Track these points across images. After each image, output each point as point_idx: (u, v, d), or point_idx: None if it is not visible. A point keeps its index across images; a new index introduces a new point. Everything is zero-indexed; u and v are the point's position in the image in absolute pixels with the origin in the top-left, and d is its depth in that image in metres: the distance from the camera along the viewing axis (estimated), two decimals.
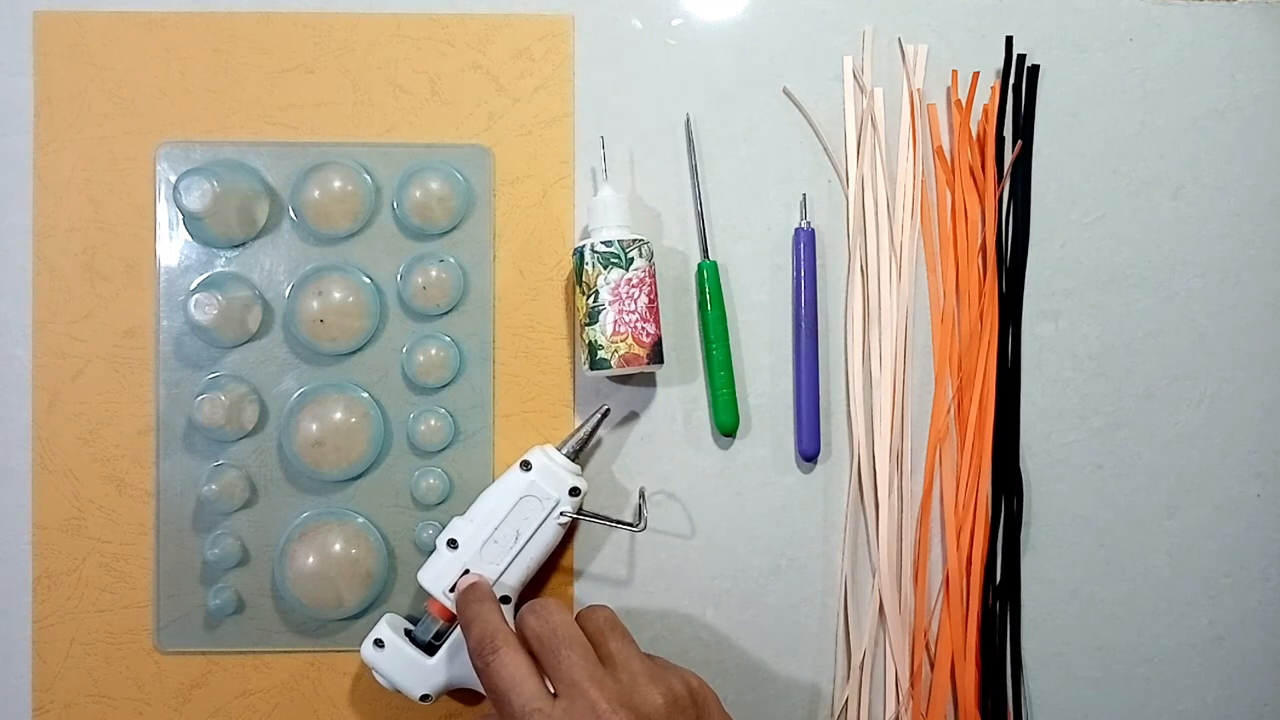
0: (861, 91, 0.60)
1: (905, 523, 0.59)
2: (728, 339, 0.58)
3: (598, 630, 0.48)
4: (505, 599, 0.53)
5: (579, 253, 0.55)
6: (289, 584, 0.56)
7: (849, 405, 0.59)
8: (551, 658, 0.46)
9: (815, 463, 0.59)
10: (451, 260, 0.58)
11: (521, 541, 0.53)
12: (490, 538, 0.53)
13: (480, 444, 0.58)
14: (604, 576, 0.59)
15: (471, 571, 0.52)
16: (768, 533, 0.59)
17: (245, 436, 0.58)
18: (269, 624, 0.58)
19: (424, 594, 0.53)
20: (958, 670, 0.58)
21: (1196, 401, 0.60)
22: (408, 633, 0.54)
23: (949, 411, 0.59)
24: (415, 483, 0.57)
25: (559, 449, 0.55)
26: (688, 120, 0.59)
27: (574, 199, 0.59)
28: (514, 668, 0.46)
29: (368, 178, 0.58)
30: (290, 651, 0.58)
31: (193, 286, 0.57)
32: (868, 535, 0.59)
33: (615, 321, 0.54)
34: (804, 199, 0.59)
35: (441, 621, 0.54)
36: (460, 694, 0.58)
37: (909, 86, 0.59)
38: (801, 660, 0.59)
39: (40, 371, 0.58)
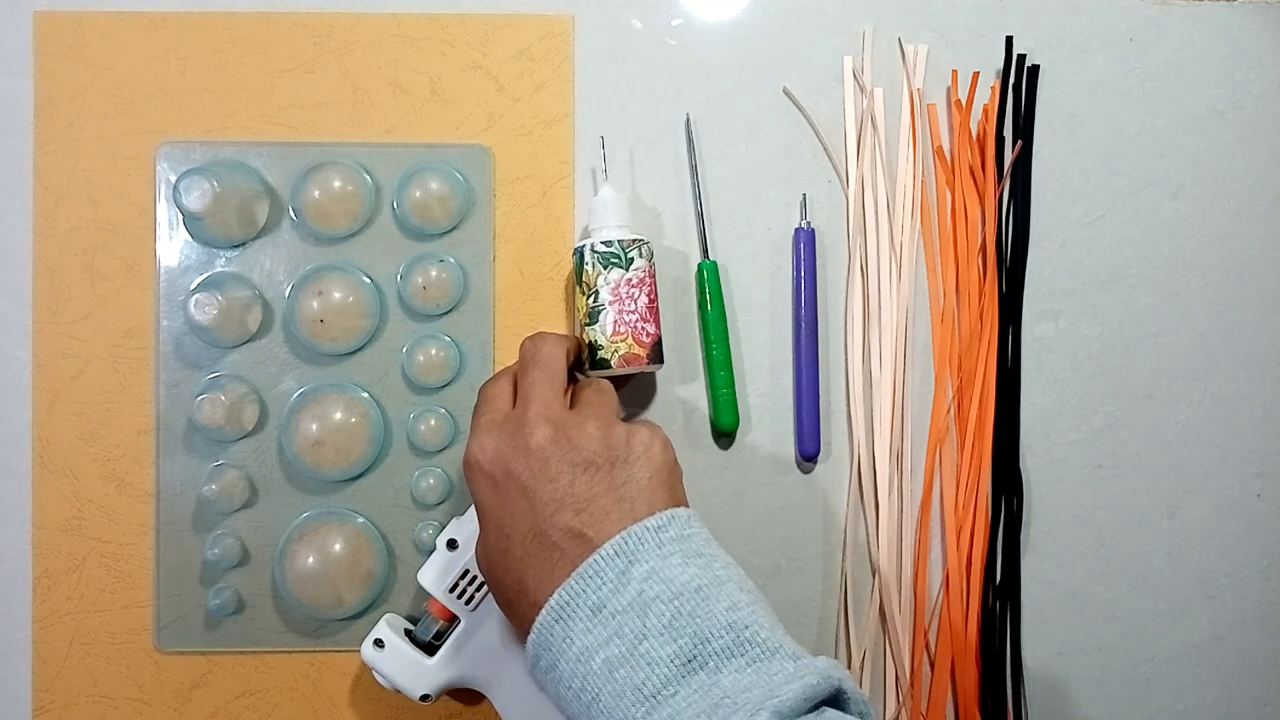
0: (861, 91, 0.60)
1: (905, 523, 0.59)
2: (728, 339, 0.58)
3: (585, 384, 0.49)
4: None
5: (579, 253, 0.55)
6: (289, 584, 0.56)
7: (849, 405, 0.59)
8: (522, 374, 0.48)
9: (815, 463, 0.59)
10: (451, 260, 0.58)
11: None
12: None
13: None
14: None
15: None
16: (768, 533, 0.59)
17: (245, 436, 0.58)
18: (269, 624, 0.58)
19: (424, 594, 0.53)
20: (958, 670, 0.58)
21: (1196, 401, 0.60)
22: (408, 633, 0.54)
23: (949, 411, 0.59)
24: (415, 483, 0.57)
25: None
26: (688, 120, 0.59)
27: (574, 199, 0.59)
28: (496, 389, 0.49)
29: (368, 178, 0.58)
30: (290, 651, 0.58)
31: (193, 286, 0.57)
32: (868, 535, 0.59)
33: (615, 321, 0.54)
34: (804, 199, 0.59)
35: (441, 621, 0.54)
36: (460, 694, 0.58)
37: (909, 86, 0.59)
38: None
39: (40, 371, 0.58)
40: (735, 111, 0.60)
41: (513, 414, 0.46)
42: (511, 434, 0.45)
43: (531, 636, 0.42)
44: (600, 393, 0.48)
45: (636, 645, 0.39)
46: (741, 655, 0.39)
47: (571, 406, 0.47)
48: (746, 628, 0.40)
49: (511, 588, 0.43)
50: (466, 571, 0.52)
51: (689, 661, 0.39)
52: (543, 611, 0.41)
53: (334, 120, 0.59)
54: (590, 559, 0.41)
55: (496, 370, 0.58)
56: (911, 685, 0.58)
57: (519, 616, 0.43)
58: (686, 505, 0.45)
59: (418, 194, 0.57)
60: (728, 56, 0.60)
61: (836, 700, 0.39)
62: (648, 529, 0.42)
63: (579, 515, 0.42)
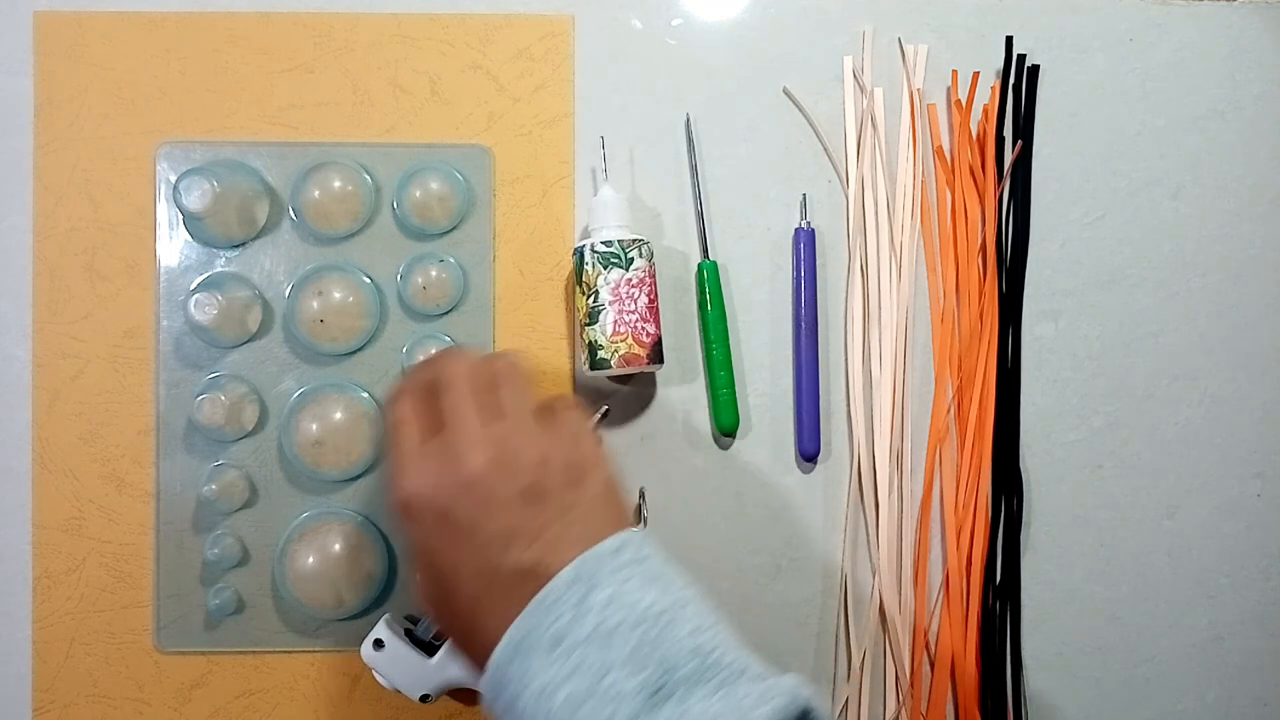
0: (861, 91, 0.60)
1: (905, 523, 0.59)
2: (728, 339, 0.58)
3: (491, 379, 0.45)
4: None
5: (579, 253, 0.55)
6: (289, 584, 0.56)
7: (849, 405, 0.59)
8: (433, 399, 0.44)
9: (815, 463, 0.59)
10: (451, 260, 0.58)
11: None
12: None
13: None
14: None
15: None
16: (768, 533, 0.59)
17: (245, 436, 0.58)
18: (269, 624, 0.58)
19: None
20: (958, 670, 0.58)
21: (1196, 401, 0.60)
22: (408, 633, 0.54)
23: (949, 411, 0.59)
24: None
25: None
26: (688, 120, 0.59)
27: (574, 199, 0.59)
28: (402, 410, 0.44)
29: (368, 178, 0.58)
30: (290, 651, 0.58)
31: (193, 286, 0.57)
32: (868, 535, 0.59)
33: (615, 321, 0.54)
34: (804, 199, 0.59)
35: None
36: (460, 694, 0.58)
37: (909, 86, 0.59)
38: (801, 660, 0.59)
39: (40, 371, 0.58)
40: (735, 111, 0.60)
41: (438, 440, 0.42)
42: (442, 466, 0.41)
43: (487, 675, 0.40)
44: (517, 390, 0.44)
45: (600, 679, 0.37)
46: (708, 681, 0.38)
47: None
48: (712, 651, 0.39)
49: (463, 629, 0.41)
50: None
51: (656, 692, 0.37)
52: (499, 647, 0.39)
53: (334, 120, 0.59)
54: (546, 588, 0.39)
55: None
56: (911, 685, 0.58)
57: (474, 652, 0.41)
58: (632, 521, 0.44)
59: (418, 194, 0.57)
60: (728, 56, 0.60)
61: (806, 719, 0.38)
62: (604, 553, 0.40)
63: (530, 548, 0.40)
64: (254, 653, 0.58)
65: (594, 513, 0.42)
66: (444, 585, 0.41)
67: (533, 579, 0.39)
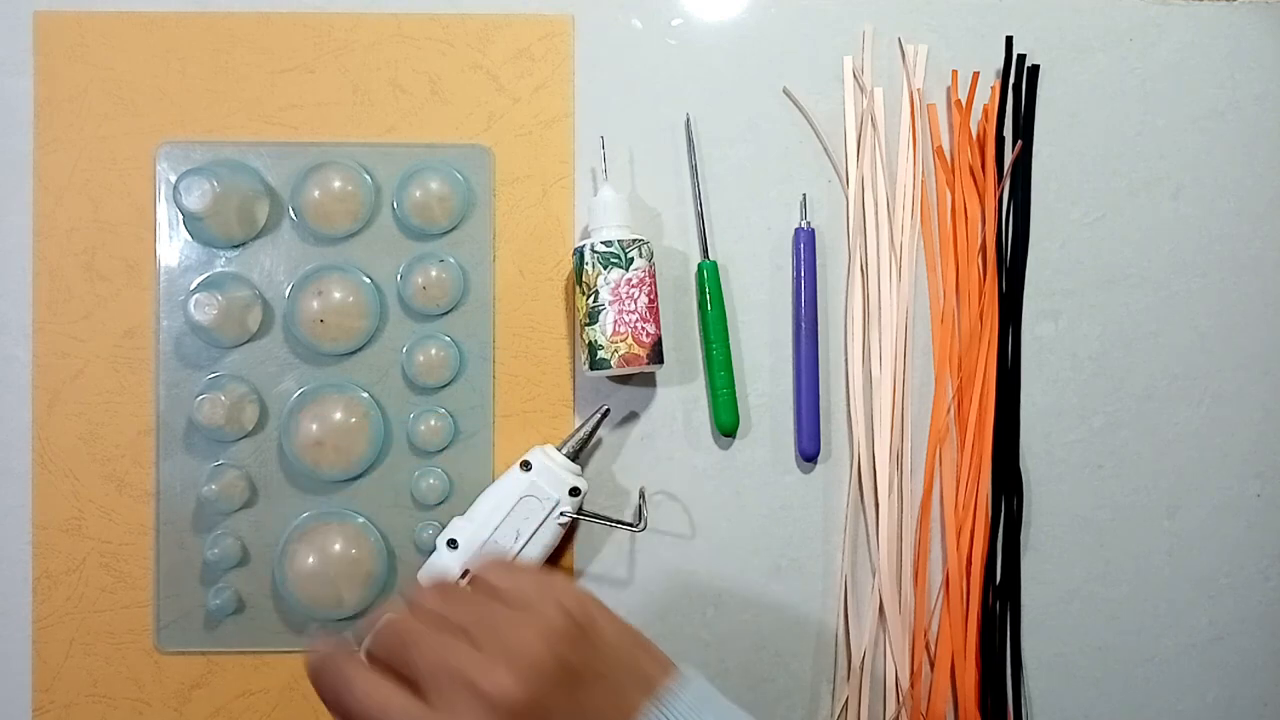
0: (861, 91, 0.60)
1: (905, 523, 0.59)
2: (728, 339, 0.58)
3: (431, 616, 0.40)
4: None
5: (579, 253, 0.55)
6: (289, 584, 0.56)
7: (849, 405, 0.59)
8: (400, 662, 0.39)
9: (815, 463, 0.59)
10: (451, 260, 0.58)
11: (522, 541, 0.53)
12: (490, 538, 0.53)
13: (480, 444, 0.58)
14: (604, 576, 0.59)
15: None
16: (768, 533, 0.59)
17: (245, 436, 0.58)
18: (269, 624, 0.58)
19: None
20: (958, 670, 0.58)
21: (1196, 401, 0.60)
22: None
23: (949, 411, 0.59)
24: (415, 483, 0.57)
25: (559, 449, 0.55)
26: (688, 120, 0.59)
27: (574, 199, 0.59)
28: (372, 688, 0.38)
29: (368, 178, 0.58)
30: (290, 651, 0.58)
31: (193, 286, 0.57)
32: (868, 535, 0.59)
33: (615, 321, 0.54)
34: (804, 199, 0.59)
35: None
36: None
37: (909, 86, 0.59)
38: (801, 660, 0.59)
39: (40, 371, 0.58)
40: (735, 111, 0.60)
41: (444, 691, 0.37)
42: (470, 709, 0.37)
43: None
44: (467, 604, 0.40)
45: None
46: None
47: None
48: None
49: None
50: (467, 571, 0.52)
51: None
52: None
53: (334, 120, 0.59)
54: None
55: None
56: (911, 685, 0.58)
57: None
58: (666, 662, 0.41)
59: (418, 194, 0.57)
60: (728, 56, 0.60)
61: None
62: (671, 691, 0.39)
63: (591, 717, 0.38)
64: (254, 653, 0.58)
65: (631, 659, 0.40)
66: None
67: None
